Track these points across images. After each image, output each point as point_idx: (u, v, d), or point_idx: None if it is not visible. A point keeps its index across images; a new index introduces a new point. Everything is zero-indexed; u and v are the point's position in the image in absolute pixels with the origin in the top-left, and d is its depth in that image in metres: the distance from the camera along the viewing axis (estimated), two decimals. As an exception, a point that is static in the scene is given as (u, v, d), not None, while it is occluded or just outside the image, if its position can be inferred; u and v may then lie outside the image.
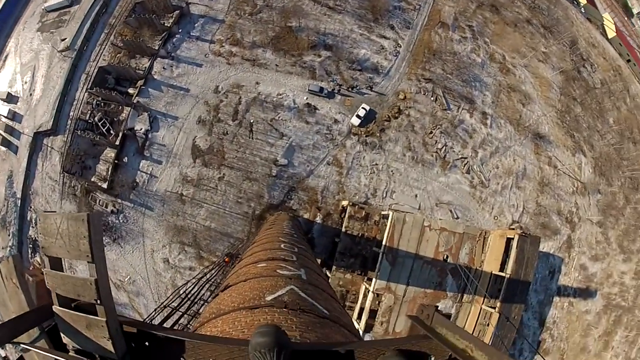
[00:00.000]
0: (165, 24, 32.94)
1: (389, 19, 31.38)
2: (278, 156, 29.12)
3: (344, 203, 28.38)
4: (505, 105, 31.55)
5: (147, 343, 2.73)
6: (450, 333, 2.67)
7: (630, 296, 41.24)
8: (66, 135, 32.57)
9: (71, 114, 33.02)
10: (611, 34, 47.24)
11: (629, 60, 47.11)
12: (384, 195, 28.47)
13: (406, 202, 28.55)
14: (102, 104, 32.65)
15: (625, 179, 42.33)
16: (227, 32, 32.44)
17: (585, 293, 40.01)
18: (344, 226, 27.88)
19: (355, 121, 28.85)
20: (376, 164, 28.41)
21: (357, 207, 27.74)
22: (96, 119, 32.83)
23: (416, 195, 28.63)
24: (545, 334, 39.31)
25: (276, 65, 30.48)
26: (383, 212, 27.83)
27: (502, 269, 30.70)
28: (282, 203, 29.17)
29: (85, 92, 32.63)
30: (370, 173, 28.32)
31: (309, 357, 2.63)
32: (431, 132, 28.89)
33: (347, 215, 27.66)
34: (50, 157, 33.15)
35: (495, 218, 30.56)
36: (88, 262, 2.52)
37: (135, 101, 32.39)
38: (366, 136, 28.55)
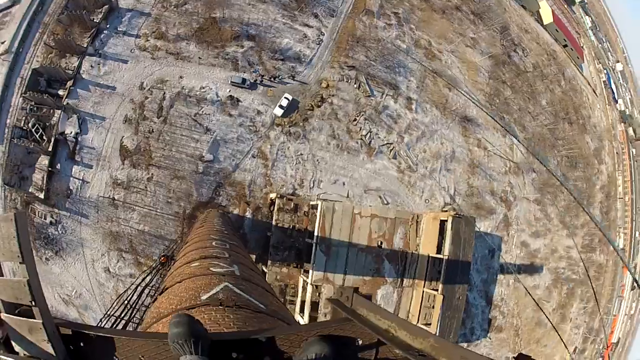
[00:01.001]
0: (95, 20, 31.58)
1: (313, 8, 31.35)
2: (203, 152, 28.55)
3: (272, 196, 28.12)
4: (431, 90, 32.16)
5: (82, 344, 2.78)
6: (371, 314, 2.55)
7: (581, 269, 42.68)
8: (4, 145, 30.57)
9: (8, 121, 31.02)
10: (547, 20, 48.52)
11: (565, 45, 49.05)
12: (311, 185, 28.44)
13: (334, 190, 28.63)
14: (35, 108, 30.88)
15: (561, 157, 44.03)
16: (152, 26, 31.58)
17: (530, 269, 41.05)
18: (274, 219, 27.62)
19: (278, 111, 28.61)
20: (301, 154, 28.31)
21: (285, 199, 27.54)
22: (30, 124, 31.02)
23: (344, 183, 28.76)
24: (495, 312, 39.95)
25: (199, 57, 29.87)
26: (312, 203, 27.76)
27: (439, 251, 31.14)
28: (211, 200, 28.63)
29: (20, 97, 30.71)
30: (296, 163, 28.21)
31: (231, 348, 2.58)
32: (355, 120, 29.07)
33: (276, 208, 27.42)
34: (-9, 170, 31.09)
35: (427, 201, 31.13)
36: (19, 262, 2.56)
37: (65, 103, 30.90)
38: (290, 126, 28.38)
